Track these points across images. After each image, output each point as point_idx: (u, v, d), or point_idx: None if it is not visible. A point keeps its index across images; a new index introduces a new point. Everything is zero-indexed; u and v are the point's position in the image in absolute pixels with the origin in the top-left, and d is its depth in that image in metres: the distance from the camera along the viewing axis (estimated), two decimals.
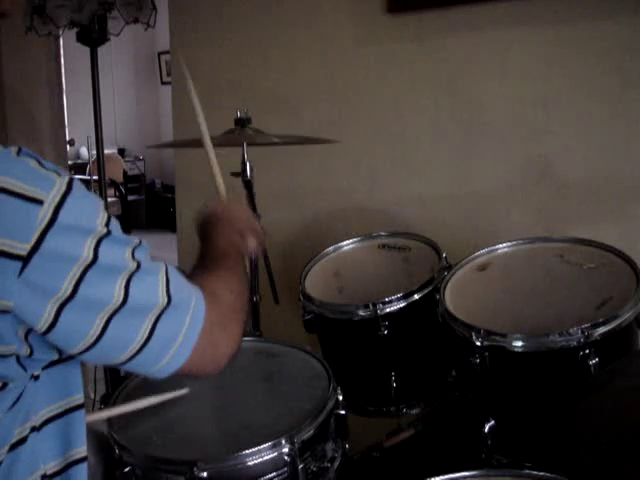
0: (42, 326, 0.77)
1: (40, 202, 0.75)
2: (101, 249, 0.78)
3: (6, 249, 0.74)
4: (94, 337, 0.80)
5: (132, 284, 0.81)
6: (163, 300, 0.84)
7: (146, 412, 1.42)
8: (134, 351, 0.84)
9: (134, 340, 0.83)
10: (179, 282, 0.88)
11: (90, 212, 0.80)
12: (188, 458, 1.25)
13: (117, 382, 1.59)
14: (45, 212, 0.75)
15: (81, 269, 0.77)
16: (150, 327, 0.83)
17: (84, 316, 0.79)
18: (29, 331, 0.79)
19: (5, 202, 0.74)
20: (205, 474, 1.23)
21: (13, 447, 0.85)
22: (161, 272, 0.86)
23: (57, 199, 0.76)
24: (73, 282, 0.77)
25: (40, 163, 0.79)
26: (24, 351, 0.80)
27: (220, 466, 1.25)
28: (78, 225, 0.77)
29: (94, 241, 0.78)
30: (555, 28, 2.11)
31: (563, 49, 2.11)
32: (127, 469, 1.29)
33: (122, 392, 1.48)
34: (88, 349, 0.81)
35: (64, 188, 0.77)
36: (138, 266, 0.83)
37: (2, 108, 3.60)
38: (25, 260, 0.74)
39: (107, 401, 1.53)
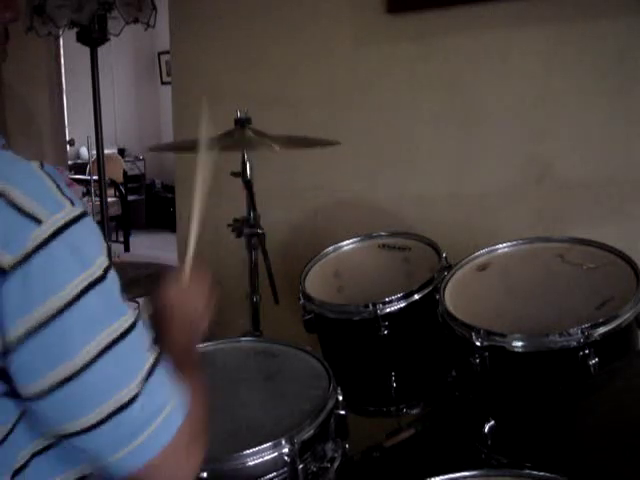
0: (11, 343, 0.72)
1: (38, 221, 0.71)
2: (90, 293, 0.73)
3: None
4: (53, 383, 0.72)
5: (109, 352, 0.74)
6: (139, 383, 0.76)
7: None
8: (86, 425, 0.75)
9: (88, 412, 0.75)
10: (163, 377, 0.80)
11: (92, 250, 0.76)
12: None
13: None
14: (41, 233, 0.71)
15: (57, 305, 0.71)
16: (110, 411, 0.75)
17: (42, 359, 0.72)
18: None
19: (4, 210, 0.71)
20: (205, 474, 1.23)
21: (16, 473, 0.80)
22: (149, 356, 0.79)
23: (59, 224, 0.72)
24: (45, 316, 0.71)
25: (59, 187, 0.75)
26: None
27: (220, 466, 1.25)
28: (73, 258, 0.73)
29: (85, 282, 0.73)
30: (555, 28, 2.11)
31: (563, 49, 2.11)
32: None
33: None
34: (39, 397, 0.73)
35: (72, 216, 0.73)
36: (123, 334, 0.75)
37: (2, 108, 3.60)
38: (5, 273, 0.70)
39: None
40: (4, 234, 0.71)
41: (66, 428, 0.75)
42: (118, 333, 0.75)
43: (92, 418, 0.74)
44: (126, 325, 0.77)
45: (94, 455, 0.78)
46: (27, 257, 0.70)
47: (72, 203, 0.75)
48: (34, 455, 0.82)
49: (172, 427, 0.80)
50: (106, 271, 0.76)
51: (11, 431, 0.79)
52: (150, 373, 0.78)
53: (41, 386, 0.73)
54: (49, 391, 0.73)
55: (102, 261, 0.76)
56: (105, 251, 0.77)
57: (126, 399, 0.75)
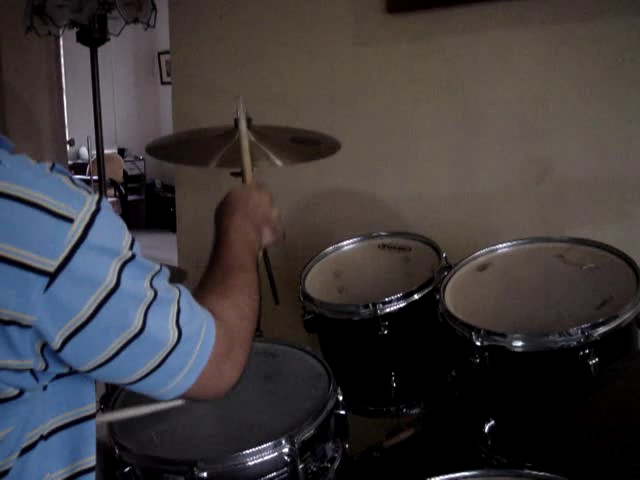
0: (57, 343, 0.78)
1: (71, 220, 0.75)
2: (124, 274, 0.79)
3: (35, 264, 0.74)
4: (104, 359, 0.81)
5: (149, 315, 0.82)
6: (174, 335, 0.85)
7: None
8: (141, 375, 0.85)
9: (143, 366, 0.84)
10: (191, 310, 0.88)
11: (116, 234, 0.81)
12: (188, 458, 1.25)
13: None
14: (75, 230, 0.75)
15: (104, 293, 0.78)
16: (161, 359, 0.84)
17: (100, 338, 0.80)
18: (44, 345, 0.79)
19: (36, 218, 0.74)
20: (205, 474, 1.23)
21: (22, 453, 0.85)
22: (174, 302, 0.86)
23: (87, 218, 0.76)
24: (95, 305, 0.77)
25: (72, 180, 0.79)
26: (40, 366, 0.81)
27: (220, 466, 1.25)
28: (105, 246, 0.78)
29: (119, 265, 0.79)
30: (555, 28, 2.11)
31: (563, 49, 2.11)
32: (127, 469, 1.29)
33: (122, 393, 1.48)
34: (97, 369, 0.82)
35: (94, 207, 0.78)
36: (155, 296, 0.83)
37: (2, 108, 3.60)
38: (52, 276, 0.74)
39: (107, 402, 1.53)
40: (41, 238, 0.74)
41: (118, 382, 0.86)
42: (152, 293, 0.83)
43: (143, 372, 0.84)
44: (155, 281, 0.84)
45: (148, 392, 0.89)
46: (68, 258, 0.75)
47: (88, 191, 0.79)
48: (41, 438, 0.87)
49: (209, 345, 0.89)
50: (132, 247, 0.82)
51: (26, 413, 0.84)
52: (179, 312, 0.86)
53: (100, 360, 0.81)
54: (103, 364, 0.81)
55: (126, 241, 0.81)
56: (124, 226, 0.83)
57: (172, 345, 0.84)
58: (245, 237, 1.12)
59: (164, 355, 0.84)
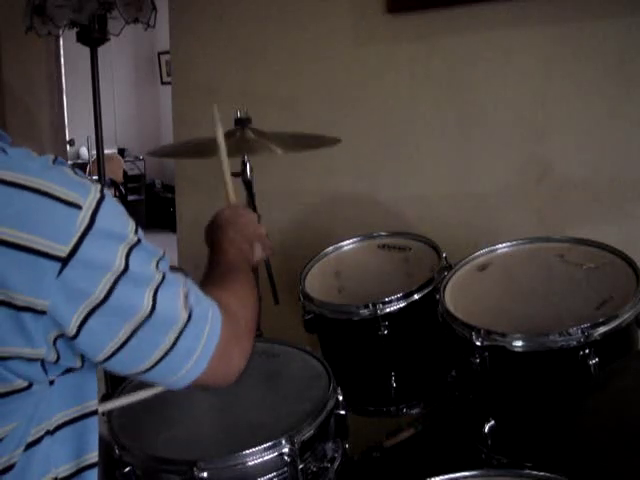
0: (72, 329, 0.79)
1: (79, 207, 0.77)
2: (132, 258, 0.81)
3: (47, 250, 0.76)
4: (118, 344, 0.82)
5: (159, 296, 0.83)
6: (184, 314, 0.86)
7: (146, 412, 1.42)
8: (155, 361, 0.86)
9: (156, 350, 0.85)
10: (197, 294, 0.91)
11: (121, 220, 0.83)
12: (188, 458, 1.26)
13: (117, 382, 1.59)
14: (83, 217, 0.77)
15: (114, 277, 0.79)
16: (173, 340, 0.85)
17: (112, 323, 0.81)
18: (58, 336, 0.80)
19: (47, 205, 0.76)
20: (205, 474, 1.23)
21: (28, 447, 0.85)
22: (181, 285, 0.88)
23: (94, 205, 0.79)
24: (106, 288, 0.79)
25: (74, 171, 0.82)
26: (51, 357, 0.81)
27: (220, 466, 1.25)
28: (112, 231, 0.80)
29: (126, 249, 0.81)
30: (555, 28, 2.11)
31: (563, 49, 2.11)
32: (127, 469, 1.29)
33: (122, 392, 1.48)
34: (111, 356, 0.83)
35: (98, 195, 0.80)
36: (163, 278, 0.85)
37: (2, 108, 3.60)
38: (64, 261, 0.76)
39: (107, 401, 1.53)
40: (52, 225, 0.76)
41: (133, 372, 0.87)
42: (161, 275, 0.85)
43: (156, 356, 0.85)
44: (161, 264, 0.86)
45: (160, 381, 0.90)
46: (79, 243, 0.77)
47: (90, 181, 0.81)
48: (47, 433, 0.87)
49: (217, 329, 0.90)
50: (136, 232, 0.84)
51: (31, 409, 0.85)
52: (187, 294, 0.88)
53: (110, 349, 0.82)
54: (117, 350, 0.82)
55: (131, 226, 0.84)
56: (127, 213, 0.85)
57: (182, 324, 0.86)
58: (239, 247, 1.16)
59: (176, 335, 0.85)
